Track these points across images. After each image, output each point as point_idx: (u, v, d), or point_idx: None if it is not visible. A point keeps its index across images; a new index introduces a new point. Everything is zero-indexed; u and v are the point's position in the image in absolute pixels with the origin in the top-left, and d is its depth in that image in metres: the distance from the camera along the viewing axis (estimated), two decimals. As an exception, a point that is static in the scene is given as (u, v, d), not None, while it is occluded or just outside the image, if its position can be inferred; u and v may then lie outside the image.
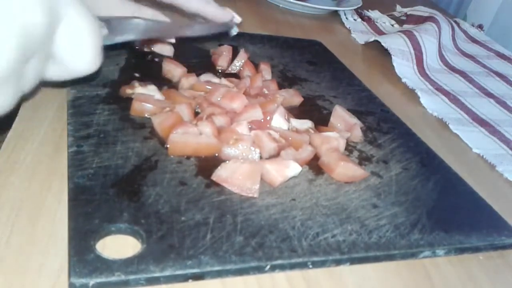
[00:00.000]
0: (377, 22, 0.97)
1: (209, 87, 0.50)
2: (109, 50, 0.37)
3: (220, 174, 0.39)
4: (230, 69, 0.58)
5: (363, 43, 0.83)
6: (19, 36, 0.27)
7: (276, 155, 0.44)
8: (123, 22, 0.41)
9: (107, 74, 0.50)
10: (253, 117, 0.46)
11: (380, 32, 0.92)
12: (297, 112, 0.53)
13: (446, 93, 0.71)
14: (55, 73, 0.33)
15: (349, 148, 0.49)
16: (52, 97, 0.45)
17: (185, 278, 0.31)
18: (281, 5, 0.91)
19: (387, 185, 0.45)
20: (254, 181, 0.39)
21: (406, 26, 0.91)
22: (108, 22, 0.38)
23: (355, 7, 0.95)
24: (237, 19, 0.53)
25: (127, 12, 0.45)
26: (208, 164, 0.41)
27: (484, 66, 0.87)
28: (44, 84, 0.37)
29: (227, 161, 0.40)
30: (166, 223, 0.34)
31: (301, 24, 0.86)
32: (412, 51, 0.76)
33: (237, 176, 0.38)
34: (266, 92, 0.53)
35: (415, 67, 0.75)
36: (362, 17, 0.97)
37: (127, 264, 0.30)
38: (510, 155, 0.59)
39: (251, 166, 0.39)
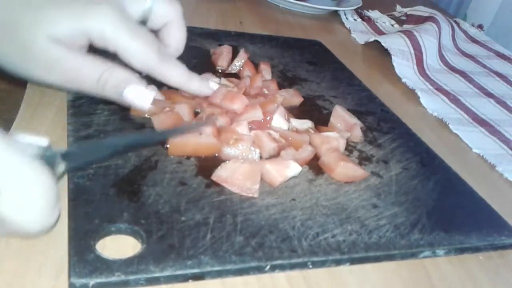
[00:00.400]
0: (377, 22, 0.97)
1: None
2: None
3: (220, 174, 0.39)
4: (230, 69, 0.58)
5: (363, 43, 0.83)
6: None
7: (276, 155, 0.44)
8: (88, 146, 0.37)
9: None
10: (253, 117, 0.46)
11: (380, 32, 0.92)
12: (297, 112, 0.53)
13: (446, 93, 0.71)
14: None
15: (349, 148, 0.49)
16: (52, 97, 0.45)
17: (185, 278, 0.31)
18: (281, 5, 0.92)
19: (387, 185, 0.45)
20: (254, 181, 0.39)
21: (406, 26, 0.91)
22: (66, 155, 0.31)
23: (355, 7, 0.95)
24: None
25: (95, 71, 0.38)
26: (208, 164, 0.41)
27: (484, 66, 0.87)
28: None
29: (227, 161, 0.40)
30: (166, 223, 0.34)
31: (301, 24, 0.86)
32: (412, 51, 0.76)
33: (237, 176, 0.38)
34: (266, 92, 0.53)
35: (415, 67, 0.75)
36: (362, 17, 0.97)
37: (127, 264, 0.30)
38: (510, 155, 0.59)
39: (251, 166, 0.39)
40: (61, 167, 0.31)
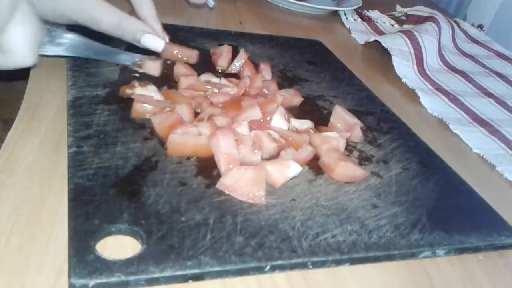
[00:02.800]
0: (377, 22, 0.97)
1: (209, 87, 0.50)
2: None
3: (225, 182, 0.38)
4: (230, 69, 0.58)
5: (363, 43, 0.83)
6: None
7: (276, 155, 0.44)
8: (62, 34, 0.47)
9: (107, 74, 0.50)
10: (253, 117, 0.46)
11: (380, 32, 0.92)
12: (297, 112, 0.53)
13: (446, 93, 0.71)
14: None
15: (349, 148, 0.49)
16: (52, 97, 0.45)
17: (185, 278, 0.31)
18: (281, 5, 0.91)
19: (387, 185, 0.45)
20: (259, 187, 0.38)
21: (406, 26, 0.91)
22: (49, 31, 0.44)
23: (355, 7, 0.95)
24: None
25: (115, 17, 0.48)
26: (208, 164, 0.41)
27: (484, 66, 0.87)
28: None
29: (231, 165, 0.40)
30: (166, 223, 0.34)
31: (301, 24, 0.86)
32: (412, 51, 0.76)
33: (242, 183, 0.38)
34: (266, 92, 0.53)
35: (415, 67, 0.75)
36: (362, 17, 0.97)
37: (127, 265, 0.30)
38: (510, 155, 0.59)
39: (255, 172, 0.39)
40: (45, 37, 0.44)
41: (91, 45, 0.49)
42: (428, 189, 0.46)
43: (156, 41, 0.51)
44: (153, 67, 0.52)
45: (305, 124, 0.49)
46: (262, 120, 0.46)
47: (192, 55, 0.57)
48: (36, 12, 0.38)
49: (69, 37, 0.47)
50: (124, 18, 0.48)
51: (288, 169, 0.41)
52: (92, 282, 0.28)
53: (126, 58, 0.52)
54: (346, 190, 0.42)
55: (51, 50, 0.45)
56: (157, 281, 0.30)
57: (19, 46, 0.38)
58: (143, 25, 0.51)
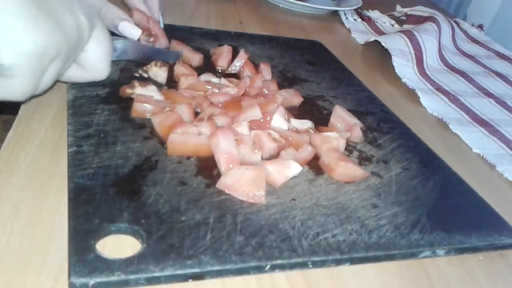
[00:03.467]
0: (377, 22, 0.97)
1: (209, 87, 0.50)
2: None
3: (225, 181, 0.38)
4: (230, 69, 0.58)
5: (363, 43, 0.84)
6: (76, 27, 0.36)
7: (276, 155, 0.44)
8: (114, 41, 0.48)
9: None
10: (252, 117, 0.46)
11: (380, 32, 0.92)
12: (297, 112, 0.53)
13: (446, 93, 0.71)
14: (74, 75, 0.42)
15: (349, 148, 0.49)
16: (52, 97, 0.45)
17: (185, 277, 0.31)
18: (281, 5, 0.92)
19: (387, 185, 0.45)
20: (259, 187, 0.38)
21: (406, 26, 0.91)
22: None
23: (355, 7, 0.95)
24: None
25: (97, 2, 0.49)
26: (208, 164, 0.41)
27: (484, 66, 0.87)
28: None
29: (231, 165, 0.40)
30: (166, 223, 0.34)
31: (301, 24, 0.86)
32: (412, 51, 0.76)
33: (242, 183, 0.38)
34: (266, 92, 0.53)
35: (415, 67, 0.75)
36: (362, 17, 0.97)
37: (127, 264, 0.30)
38: (510, 155, 0.59)
39: (255, 172, 0.39)
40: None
41: (140, 47, 0.53)
42: (428, 189, 0.46)
43: (133, 29, 0.53)
44: (159, 74, 0.52)
45: (305, 124, 0.49)
46: (262, 120, 0.46)
47: (195, 58, 0.58)
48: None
49: (120, 42, 0.50)
50: (105, 4, 0.50)
51: (288, 169, 0.41)
52: (92, 281, 0.28)
53: (171, 55, 0.56)
54: (346, 190, 0.42)
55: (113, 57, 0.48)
56: (157, 280, 0.30)
57: (97, 62, 0.42)
58: (122, 12, 0.53)
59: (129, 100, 0.45)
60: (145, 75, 0.52)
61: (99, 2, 0.50)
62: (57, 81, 0.42)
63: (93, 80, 0.43)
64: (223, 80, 0.53)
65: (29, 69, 0.34)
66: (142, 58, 0.53)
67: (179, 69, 0.53)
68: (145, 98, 0.45)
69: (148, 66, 0.52)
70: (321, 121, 0.52)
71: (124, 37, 0.52)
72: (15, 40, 0.32)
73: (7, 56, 0.32)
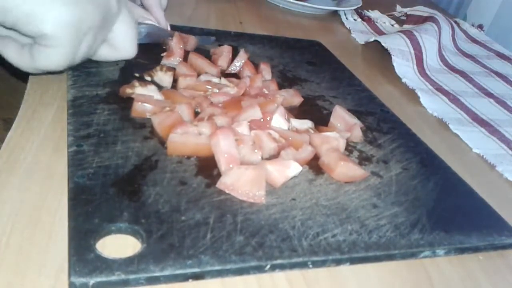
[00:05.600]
0: (377, 22, 0.97)
1: (209, 87, 0.50)
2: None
3: (225, 181, 0.38)
4: (230, 69, 0.58)
5: (363, 43, 0.84)
6: (104, 5, 0.39)
7: (276, 155, 0.44)
8: (139, 25, 0.52)
9: (107, 74, 0.50)
10: (252, 117, 0.46)
11: (380, 32, 0.92)
12: (297, 112, 0.53)
13: (446, 93, 0.71)
14: (105, 54, 0.47)
15: (349, 148, 0.49)
16: (52, 97, 0.45)
17: (185, 277, 0.31)
18: (281, 5, 0.92)
19: (387, 185, 0.45)
20: (259, 187, 0.38)
21: (406, 26, 0.91)
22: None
23: (355, 7, 0.95)
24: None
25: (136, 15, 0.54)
26: (208, 164, 0.41)
27: (484, 66, 0.87)
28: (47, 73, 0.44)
29: (231, 165, 0.40)
30: (166, 222, 0.34)
31: (301, 24, 0.86)
32: (412, 51, 0.76)
33: (242, 183, 0.38)
34: (266, 92, 0.53)
35: (415, 67, 0.75)
36: (362, 17, 0.97)
37: (127, 264, 0.30)
38: (510, 155, 0.59)
39: (255, 171, 0.39)
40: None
41: (165, 31, 0.57)
42: (428, 189, 0.46)
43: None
44: (164, 79, 0.51)
45: (305, 124, 0.49)
46: (262, 120, 0.46)
47: (191, 41, 0.60)
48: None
49: (143, 27, 0.54)
50: (130, 3, 0.52)
51: (288, 168, 0.41)
52: (92, 281, 0.28)
53: (201, 40, 0.60)
54: (346, 190, 0.42)
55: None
56: (157, 280, 0.30)
57: (125, 42, 0.46)
58: (145, 12, 0.56)
59: (129, 100, 0.45)
60: (149, 78, 0.51)
61: None
62: (89, 60, 0.46)
63: (122, 59, 0.49)
64: (223, 80, 0.53)
65: (68, 40, 0.38)
66: (164, 40, 0.56)
67: (180, 68, 0.53)
68: (145, 98, 0.45)
69: (153, 70, 0.51)
70: (321, 121, 0.52)
71: (148, 22, 0.55)
72: (56, 11, 0.37)
73: (50, 26, 0.37)
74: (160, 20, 0.58)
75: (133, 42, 0.48)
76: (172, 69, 0.52)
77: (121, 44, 0.47)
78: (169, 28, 0.60)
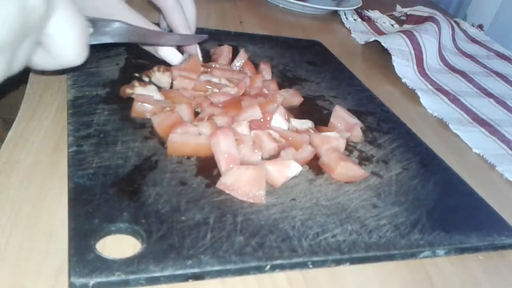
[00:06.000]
0: (377, 22, 0.97)
1: (209, 87, 0.50)
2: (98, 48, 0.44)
3: (225, 181, 0.38)
4: (230, 69, 0.58)
5: (363, 43, 0.83)
6: (19, 12, 0.29)
7: (276, 155, 0.44)
8: (107, 23, 0.42)
9: (107, 74, 0.50)
10: (253, 117, 0.46)
11: (380, 32, 0.92)
12: (297, 112, 0.53)
13: (446, 93, 0.71)
14: (42, 60, 0.36)
15: (349, 148, 0.49)
16: (52, 97, 0.45)
17: (185, 278, 0.31)
18: (281, 5, 0.92)
19: (387, 185, 0.45)
20: (259, 187, 0.38)
21: (406, 26, 0.91)
22: (93, 21, 0.40)
23: (355, 7, 0.95)
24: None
25: (127, 18, 0.46)
26: (208, 164, 0.41)
27: (484, 66, 0.87)
28: (43, 72, 0.42)
29: (231, 165, 0.40)
30: (166, 223, 0.34)
31: (301, 24, 0.86)
32: (412, 51, 0.76)
33: (242, 183, 0.38)
34: (266, 92, 0.53)
35: (415, 67, 0.75)
36: (362, 17, 0.97)
37: (127, 264, 0.30)
38: (510, 155, 0.59)
39: (255, 171, 0.39)
40: (89, 29, 0.39)
41: (138, 30, 0.47)
42: (428, 189, 0.46)
43: (172, 55, 0.52)
44: (163, 80, 0.51)
45: (305, 124, 0.49)
46: (262, 120, 0.46)
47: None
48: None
49: (114, 25, 0.44)
50: (148, 25, 0.47)
51: (288, 169, 0.41)
52: (92, 281, 0.28)
53: (171, 39, 0.53)
54: (346, 190, 0.42)
55: (96, 39, 0.41)
56: (157, 280, 0.30)
57: (63, 46, 0.35)
58: (152, 25, 0.50)
59: (129, 100, 0.45)
60: (146, 79, 0.51)
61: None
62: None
63: (61, 67, 0.37)
64: (223, 80, 0.53)
65: None
66: (141, 41, 0.49)
67: (176, 71, 0.53)
68: (145, 98, 0.45)
69: (151, 71, 0.51)
70: (321, 121, 0.52)
71: (119, 21, 0.44)
72: None
73: None
74: (178, 27, 0.52)
75: (74, 47, 0.35)
76: (169, 69, 0.52)
77: (57, 50, 0.35)
78: (198, 52, 0.55)
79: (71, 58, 0.36)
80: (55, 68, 0.37)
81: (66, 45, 0.35)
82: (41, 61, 0.36)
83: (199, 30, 0.67)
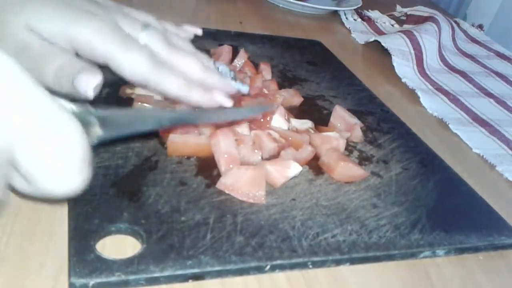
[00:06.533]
0: (377, 22, 0.97)
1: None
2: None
3: (225, 181, 0.38)
4: (230, 69, 0.58)
5: (363, 43, 0.83)
6: None
7: (276, 155, 0.44)
8: (110, 111, 0.29)
9: (107, 74, 0.49)
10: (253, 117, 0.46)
11: (380, 32, 0.92)
12: (297, 112, 0.53)
13: (446, 93, 0.71)
14: (25, 189, 0.25)
15: (349, 148, 0.49)
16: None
17: (185, 278, 0.31)
18: (281, 5, 0.92)
19: (387, 185, 0.45)
20: (259, 187, 0.38)
21: (406, 26, 0.91)
22: (103, 118, 0.28)
23: (355, 7, 0.95)
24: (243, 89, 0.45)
25: (57, 59, 0.35)
26: (208, 164, 0.41)
27: (484, 66, 0.87)
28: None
29: (231, 165, 0.40)
30: (166, 223, 0.34)
31: (301, 24, 0.86)
32: (412, 51, 0.76)
33: (242, 183, 0.38)
34: (266, 92, 0.53)
35: (415, 67, 0.75)
36: (362, 17, 0.97)
37: (127, 264, 0.30)
38: (510, 155, 0.59)
39: (255, 172, 0.39)
40: (97, 129, 0.27)
41: (154, 112, 0.37)
42: (428, 189, 0.46)
43: (90, 81, 0.35)
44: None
45: (305, 124, 0.49)
46: (262, 120, 0.46)
47: None
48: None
49: (118, 113, 0.31)
50: (70, 58, 0.35)
51: (288, 169, 0.41)
52: (92, 282, 0.28)
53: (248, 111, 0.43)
54: (346, 190, 0.42)
55: (108, 134, 0.28)
56: (157, 280, 0.30)
57: (46, 177, 0.23)
58: (90, 65, 0.36)
59: (129, 100, 0.45)
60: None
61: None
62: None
63: (58, 197, 0.24)
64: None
65: None
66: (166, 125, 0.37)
67: None
68: (145, 98, 0.45)
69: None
70: (321, 121, 0.52)
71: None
72: None
73: None
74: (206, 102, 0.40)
75: (67, 170, 0.23)
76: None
77: (41, 178, 0.23)
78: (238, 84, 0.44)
79: (62, 188, 0.24)
80: (40, 197, 0.25)
81: (52, 172, 0.23)
82: (25, 189, 0.25)
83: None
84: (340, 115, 0.52)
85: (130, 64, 0.37)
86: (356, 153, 0.49)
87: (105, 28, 0.36)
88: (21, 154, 0.22)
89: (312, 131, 0.48)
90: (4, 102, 0.21)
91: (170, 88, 0.38)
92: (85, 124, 0.26)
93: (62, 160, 0.23)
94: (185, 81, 0.39)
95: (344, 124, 0.52)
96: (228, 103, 0.40)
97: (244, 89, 0.44)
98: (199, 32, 0.48)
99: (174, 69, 0.40)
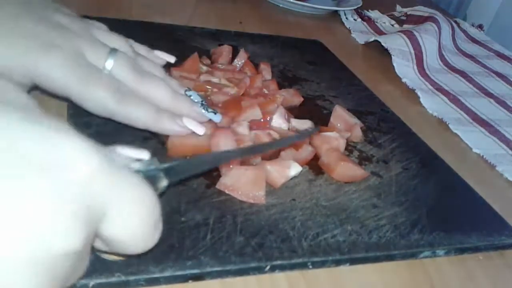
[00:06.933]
0: (377, 22, 0.97)
1: (209, 87, 0.50)
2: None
3: (225, 182, 0.38)
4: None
5: (363, 43, 0.83)
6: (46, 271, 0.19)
7: (276, 155, 0.44)
8: (190, 161, 0.32)
9: (107, 74, 0.49)
10: (252, 117, 0.46)
11: (380, 32, 0.92)
12: (297, 112, 0.53)
13: (446, 93, 0.71)
14: (100, 247, 0.26)
15: (349, 148, 0.49)
16: (52, 97, 0.45)
17: (185, 278, 0.31)
18: (281, 5, 0.91)
19: (387, 185, 0.45)
20: (259, 187, 0.38)
21: (406, 26, 0.91)
22: (168, 169, 0.29)
23: (355, 7, 0.95)
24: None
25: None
26: (208, 164, 0.41)
27: (484, 66, 0.87)
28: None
29: (231, 166, 0.40)
30: (166, 223, 0.33)
31: (301, 24, 0.86)
32: (412, 51, 0.76)
33: (242, 183, 0.38)
34: (266, 92, 0.53)
35: (415, 67, 0.75)
36: (362, 17, 0.97)
37: (127, 265, 0.30)
38: (510, 155, 0.59)
39: (255, 172, 0.39)
40: (163, 182, 0.28)
41: (213, 156, 0.36)
42: (428, 189, 0.46)
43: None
44: None
45: (305, 124, 0.49)
46: (262, 120, 0.46)
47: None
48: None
49: (181, 162, 0.31)
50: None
51: (288, 169, 0.41)
52: (92, 282, 0.28)
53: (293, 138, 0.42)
54: (346, 190, 0.42)
55: (171, 182, 0.29)
56: (157, 281, 0.30)
57: (127, 242, 0.24)
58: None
59: (129, 100, 0.45)
60: None
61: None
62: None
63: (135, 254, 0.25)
64: (223, 80, 0.53)
65: None
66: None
67: (175, 72, 0.53)
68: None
69: None
70: (321, 121, 0.52)
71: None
72: None
73: None
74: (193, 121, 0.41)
75: (143, 233, 0.24)
76: (169, 70, 0.51)
77: (121, 245, 0.24)
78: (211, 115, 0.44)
79: (140, 248, 0.25)
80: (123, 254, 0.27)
81: (130, 237, 0.24)
82: (101, 248, 0.26)
83: (199, 30, 0.67)
84: (340, 115, 0.52)
85: (93, 101, 0.36)
86: (356, 153, 0.49)
87: (66, 61, 0.34)
88: (105, 228, 0.22)
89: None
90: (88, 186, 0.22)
91: (138, 121, 0.38)
92: (154, 181, 0.27)
93: (144, 226, 0.24)
94: (154, 110, 0.38)
95: (344, 124, 0.52)
96: (201, 130, 0.40)
97: (216, 118, 0.43)
98: (172, 59, 0.46)
99: (142, 97, 0.38)
